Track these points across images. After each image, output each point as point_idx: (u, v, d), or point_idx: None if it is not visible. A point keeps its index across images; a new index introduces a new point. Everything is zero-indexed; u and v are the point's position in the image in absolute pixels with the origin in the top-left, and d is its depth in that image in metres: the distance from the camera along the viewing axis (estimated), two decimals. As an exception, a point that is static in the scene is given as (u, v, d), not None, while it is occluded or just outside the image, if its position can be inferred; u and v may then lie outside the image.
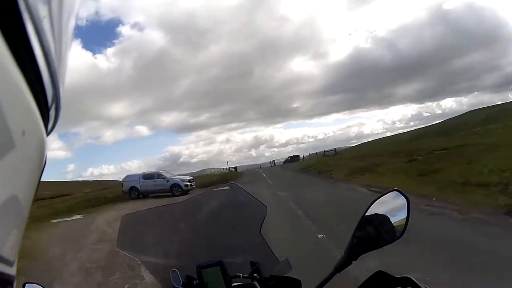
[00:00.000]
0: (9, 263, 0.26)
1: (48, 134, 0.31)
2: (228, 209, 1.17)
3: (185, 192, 16.06)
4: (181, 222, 1.12)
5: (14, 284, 0.28)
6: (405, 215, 0.79)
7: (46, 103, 0.28)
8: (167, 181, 16.89)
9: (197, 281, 0.89)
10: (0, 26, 0.21)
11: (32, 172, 0.29)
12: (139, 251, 1.09)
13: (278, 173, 25.92)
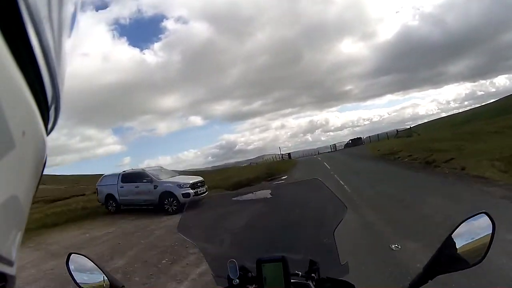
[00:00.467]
0: (9, 263, 0.26)
1: (48, 134, 0.31)
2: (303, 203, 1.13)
3: (182, 206, 8.60)
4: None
5: (14, 284, 0.27)
6: (488, 239, 0.78)
7: (46, 103, 0.28)
8: (155, 186, 9.59)
9: (252, 274, 0.87)
10: (0, 26, 0.21)
11: (32, 172, 0.29)
12: (199, 236, 1.08)
13: (348, 164, 16.37)
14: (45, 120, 0.29)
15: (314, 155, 44.39)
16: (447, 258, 0.79)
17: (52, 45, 0.26)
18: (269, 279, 0.83)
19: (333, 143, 47.71)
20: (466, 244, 0.79)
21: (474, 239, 0.79)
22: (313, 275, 0.89)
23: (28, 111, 0.25)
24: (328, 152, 42.70)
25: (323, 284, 0.90)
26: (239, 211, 1.16)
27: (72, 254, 0.93)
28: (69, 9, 0.30)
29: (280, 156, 39.53)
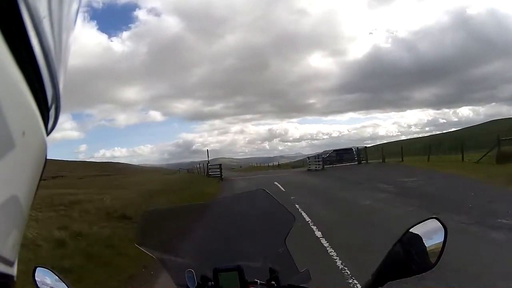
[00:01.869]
0: (9, 263, 0.26)
1: (48, 134, 0.31)
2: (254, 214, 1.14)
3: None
4: (202, 223, 1.12)
5: (14, 284, 0.28)
6: (441, 245, 0.77)
7: (46, 103, 0.28)
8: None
9: (212, 283, 0.88)
10: (0, 26, 0.21)
11: (32, 172, 0.29)
12: (156, 247, 1.09)
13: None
14: (45, 120, 0.29)
15: (270, 170, 29.85)
16: (397, 264, 0.77)
17: (52, 45, 0.26)
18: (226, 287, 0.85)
19: (317, 153, 26.56)
20: (417, 249, 0.77)
21: (426, 244, 0.77)
22: (273, 282, 0.90)
23: (28, 111, 0.25)
24: (304, 171, 22.20)
25: None
26: (195, 221, 1.17)
27: (38, 268, 0.91)
28: (69, 9, 0.30)
29: (206, 167, 21.68)
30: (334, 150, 25.51)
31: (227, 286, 0.85)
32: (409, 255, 0.76)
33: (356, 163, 22.50)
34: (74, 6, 0.32)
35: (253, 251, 1.04)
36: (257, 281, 0.89)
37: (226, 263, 0.89)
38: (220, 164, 22.53)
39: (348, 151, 25.08)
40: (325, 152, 25.84)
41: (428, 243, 0.77)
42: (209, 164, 21.92)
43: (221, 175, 19.56)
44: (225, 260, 0.92)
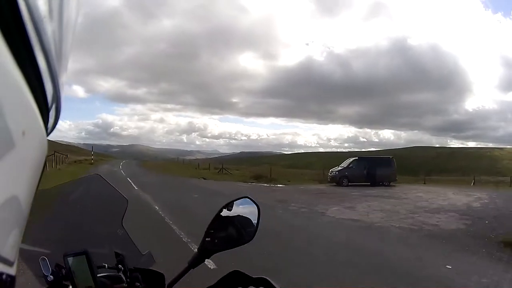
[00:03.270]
0: (9, 263, 0.26)
1: (48, 134, 0.31)
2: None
3: None
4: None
5: (14, 284, 0.28)
6: (256, 220, 0.89)
7: (46, 103, 0.28)
8: None
9: (65, 269, 0.89)
10: (0, 26, 0.21)
11: (32, 172, 0.29)
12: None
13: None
14: (45, 120, 0.29)
15: (202, 184, 15.57)
16: (218, 237, 0.87)
17: (52, 45, 0.26)
18: (77, 272, 0.86)
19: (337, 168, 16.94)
20: (236, 223, 0.88)
21: (243, 219, 0.89)
22: (120, 266, 0.93)
23: (28, 111, 0.25)
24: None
25: (131, 274, 0.94)
26: (38, 208, 1.17)
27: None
28: (69, 8, 0.30)
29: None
30: (361, 159, 16.61)
31: (78, 271, 0.86)
32: (226, 229, 0.88)
33: (388, 184, 14.85)
34: (75, 6, 0.32)
35: (98, 237, 1.06)
36: (105, 265, 0.91)
37: (75, 249, 0.90)
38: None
39: (383, 162, 16.15)
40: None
41: (244, 217, 0.89)
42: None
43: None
44: (74, 246, 0.92)
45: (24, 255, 1.05)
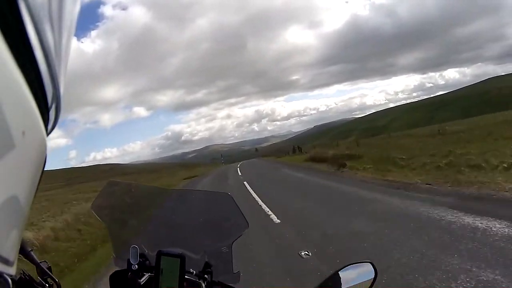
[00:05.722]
0: (9, 263, 0.26)
1: (48, 134, 0.31)
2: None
3: None
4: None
5: (15, 284, 0.28)
6: (369, 285, 0.86)
7: (46, 103, 0.28)
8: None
9: (151, 263, 0.92)
10: (0, 26, 0.21)
11: (32, 172, 0.29)
12: (108, 216, 1.15)
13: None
14: (45, 120, 0.29)
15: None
16: None
17: (52, 45, 0.26)
18: (165, 271, 0.88)
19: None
20: (349, 284, 0.86)
21: (357, 282, 0.87)
22: (206, 276, 0.93)
23: (28, 111, 0.25)
24: None
25: (213, 286, 0.95)
26: (151, 203, 1.22)
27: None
28: (69, 8, 0.30)
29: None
30: None
31: (167, 270, 0.88)
32: (342, 287, 0.86)
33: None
34: (75, 6, 0.32)
35: (196, 243, 1.07)
36: (193, 271, 0.92)
37: (167, 248, 0.92)
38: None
39: None
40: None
41: (359, 280, 0.87)
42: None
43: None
44: (167, 245, 0.95)
45: (113, 235, 1.12)
